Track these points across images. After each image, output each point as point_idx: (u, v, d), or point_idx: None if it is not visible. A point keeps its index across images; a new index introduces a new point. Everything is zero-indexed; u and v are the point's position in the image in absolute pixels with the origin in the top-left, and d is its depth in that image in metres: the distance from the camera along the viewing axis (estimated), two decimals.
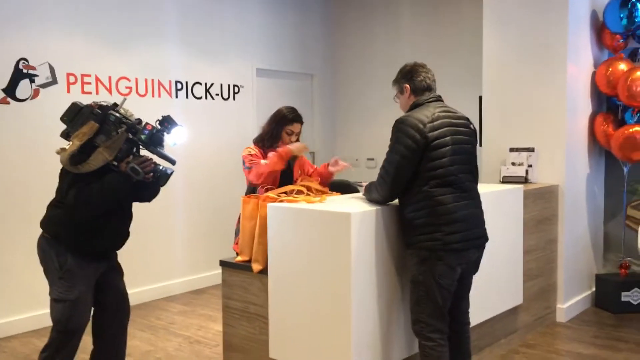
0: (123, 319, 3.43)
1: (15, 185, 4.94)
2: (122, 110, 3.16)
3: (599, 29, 5.33)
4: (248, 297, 3.39)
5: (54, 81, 5.13)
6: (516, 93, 5.16)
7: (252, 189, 4.08)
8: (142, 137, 3.11)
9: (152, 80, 5.83)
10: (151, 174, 3.16)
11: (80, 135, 3.01)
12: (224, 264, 3.51)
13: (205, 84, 6.32)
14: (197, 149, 6.10)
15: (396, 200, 3.12)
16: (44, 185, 4.60)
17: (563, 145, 4.94)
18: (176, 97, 6.05)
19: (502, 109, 5.25)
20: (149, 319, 5.25)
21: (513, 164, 5.07)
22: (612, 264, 5.59)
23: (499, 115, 5.27)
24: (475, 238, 3.08)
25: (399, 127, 3.02)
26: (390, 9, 7.29)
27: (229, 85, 6.55)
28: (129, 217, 3.35)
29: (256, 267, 3.30)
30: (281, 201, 3.28)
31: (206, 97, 6.34)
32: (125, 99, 3.25)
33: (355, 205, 3.09)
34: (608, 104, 5.46)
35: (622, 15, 5.07)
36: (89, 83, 5.36)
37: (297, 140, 4.19)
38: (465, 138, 3.11)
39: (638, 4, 5.03)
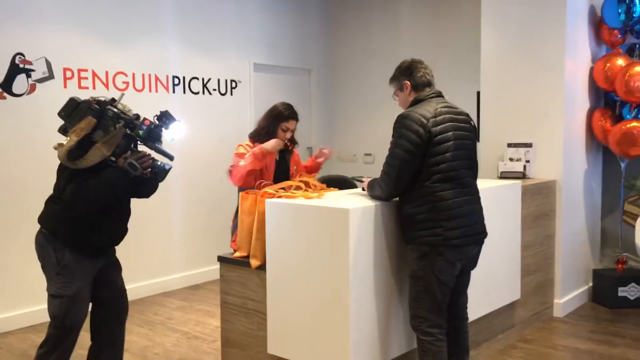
0: (121, 315, 3.43)
1: (12, 181, 4.92)
2: (120, 106, 3.15)
3: (597, 24, 5.33)
4: (246, 293, 3.38)
5: (50, 76, 5.11)
6: (514, 88, 5.16)
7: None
8: (140, 132, 3.10)
9: (149, 75, 5.81)
10: (149, 169, 3.15)
11: (78, 130, 3.00)
12: (222, 259, 3.50)
13: (203, 79, 6.30)
14: (194, 144, 6.09)
15: None
16: (41, 181, 4.59)
17: (561, 141, 4.94)
18: (173, 92, 6.03)
19: (500, 104, 5.25)
20: (146, 315, 5.24)
21: (511, 159, 5.07)
22: (609, 259, 5.60)
23: (496, 110, 5.27)
24: (475, 234, 3.09)
25: (402, 122, 3.01)
26: (389, 5, 7.28)
27: (226, 81, 6.53)
28: (127, 212, 3.35)
29: (254, 262, 3.29)
30: (279, 197, 3.27)
31: (203, 92, 6.32)
32: (123, 94, 3.24)
33: (353, 201, 3.09)
34: (606, 99, 5.46)
35: (620, 11, 5.07)
36: (86, 78, 5.34)
37: (292, 137, 4.18)
38: (466, 134, 3.11)
39: None
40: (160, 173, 3.21)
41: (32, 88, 5.01)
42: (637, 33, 5.17)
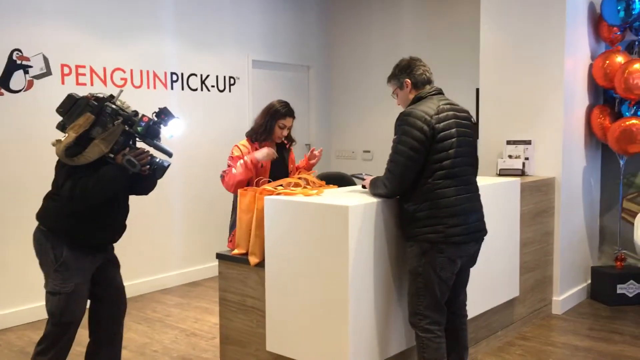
0: (119, 312, 3.42)
1: (10, 178, 4.90)
2: (118, 102, 3.13)
3: (596, 21, 5.32)
4: (245, 290, 3.38)
5: (48, 72, 5.09)
6: (513, 85, 5.15)
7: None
8: (139, 129, 3.09)
9: (147, 71, 5.79)
10: (147, 166, 3.15)
11: (76, 127, 2.99)
12: (220, 256, 3.49)
13: (201, 76, 6.29)
14: (192, 140, 6.08)
15: None
16: (39, 178, 4.59)
17: (560, 138, 4.94)
18: (171, 88, 6.01)
19: (499, 101, 5.24)
20: (145, 312, 5.24)
21: (510, 156, 5.07)
22: (607, 256, 5.60)
23: (496, 107, 5.26)
24: (475, 231, 3.09)
25: (406, 120, 3.00)
26: (388, 2, 7.26)
27: (224, 77, 6.52)
28: (125, 210, 3.34)
29: (253, 260, 3.28)
30: (278, 194, 3.26)
31: (202, 89, 6.30)
32: (121, 90, 3.22)
33: (352, 198, 3.08)
34: (605, 96, 5.46)
35: (619, 8, 5.06)
36: (84, 74, 5.32)
37: (289, 134, 4.18)
38: (468, 131, 3.11)
39: None
40: (159, 170, 3.20)
41: (30, 84, 4.99)
42: (636, 30, 5.17)
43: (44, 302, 3.17)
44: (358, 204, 2.95)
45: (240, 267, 3.38)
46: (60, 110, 3.08)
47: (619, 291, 5.16)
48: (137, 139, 3.16)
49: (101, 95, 3.11)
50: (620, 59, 5.08)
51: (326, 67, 7.75)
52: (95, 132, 3.03)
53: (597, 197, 5.61)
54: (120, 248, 3.45)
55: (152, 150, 3.18)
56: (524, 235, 4.50)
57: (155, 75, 5.86)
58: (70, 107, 3.05)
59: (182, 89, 6.11)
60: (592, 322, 4.82)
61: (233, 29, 6.58)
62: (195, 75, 6.23)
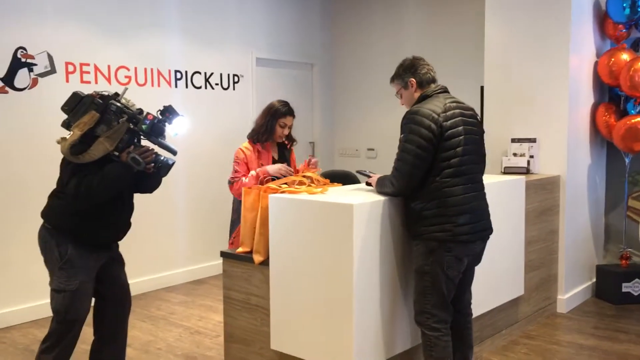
0: (124, 310, 3.42)
1: (14, 176, 4.91)
2: (123, 100, 3.13)
3: (602, 18, 5.30)
4: (249, 289, 3.37)
5: (52, 70, 5.09)
6: (518, 83, 5.14)
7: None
8: (143, 127, 3.09)
9: (152, 69, 5.79)
10: (152, 164, 3.14)
11: (81, 125, 2.99)
12: (225, 255, 3.49)
13: (205, 74, 6.28)
14: (196, 138, 6.08)
15: None
16: (43, 176, 4.59)
17: (565, 136, 4.92)
18: (175, 86, 6.01)
19: (503, 99, 5.22)
20: (149, 309, 5.24)
21: (515, 154, 5.05)
22: (612, 254, 5.59)
23: (500, 105, 5.24)
24: (482, 230, 3.08)
25: (413, 118, 2.99)
26: (391, 0, 7.25)
27: (228, 75, 6.51)
28: (130, 208, 3.34)
29: (257, 258, 3.28)
30: (283, 192, 3.26)
31: (206, 87, 6.30)
32: (126, 88, 3.22)
33: (357, 197, 3.07)
34: (610, 94, 5.43)
35: (624, 5, 5.03)
36: (88, 72, 5.32)
37: (290, 134, 4.20)
38: (474, 129, 3.11)
39: None
40: (164, 168, 3.20)
41: (34, 82, 4.99)
42: None
43: (48, 300, 3.18)
44: (363, 202, 2.95)
45: (245, 266, 3.37)
46: (65, 108, 3.08)
47: (624, 290, 5.14)
48: (142, 136, 3.16)
49: (106, 93, 3.11)
50: (625, 56, 5.06)
51: (330, 65, 7.74)
52: (100, 130, 3.03)
53: (602, 195, 5.59)
54: (125, 246, 3.45)
55: (156, 148, 3.18)
56: (529, 234, 4.49)
57: (159, 73, 5.85)
58: (75, 105, 3.05)
59: (186, 86, 6.11)
60: (597, 321, 4.80)
61: (237, 26, 6.58)
62: (199, 73, 6.23)
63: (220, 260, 3.54)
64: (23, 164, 4.94)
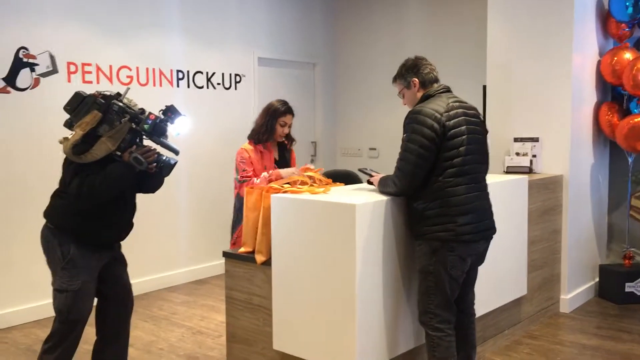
0: (126, 310, 3.42)
1: (17, 175, 4.90)
2: (125, 100, 3.13)
3: (604, 17, 5.28)
4: (251, 289, 3.36)
5: (54, 70, 5.08)
6: (521, 82, 5.12)
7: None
8: (145, 127, 3.08)
9: (154, 69, 5.79)
10: (154, 164, 3.14)
11: (83, 124, 2.99)
12: (227, 255, 3.48)
13: (207, 73, 6.28)
14: (198, 138, 6.07)
15: None
16: (46, 175, 4.59)
17: (567, 135, 4.91)
18: (177, 86, 6.00)
19: (506, 98, 5.21)
20: (151, 309, 5.23)
21: (517, 154, 5.04)
22: (615, 254, 5.57)
23: (503, 104, 5.23)
24: (485, 229, 3.08)
25: (415, 117, 2.98)
26: None
27: (230, 75, 6.51)
28: (132, 208, 3.33)
29: (259, 258, 3.27)
30: (285, 192, 3.25)
31: (207, 87, 6.29)
32: (128, 88, 3.22)
33: (360, 197, 3.07)
34: (613, 93, 5.42)
35: (627, 4, 5.02)
36: (90, 72, 5.32)
37: (289, 133, 4.22)
38: (477, 128, 3.10)
39: None
40: (166, 167, 3.19)
41: (36, 82, 4.98)
42: None
43: (50, 300, 3.18)
44: (366, 202, 2.94)
45: (247, 266, 3.37)
46: (68, 108, 3.08)
47: (627, 289, 5.13)
48: (144, 136, 3.16)
49: (108, 93, 3.10)
50: (628, 55, 5.05)
51: (332, 65, 7.73)
52: (102, 129, 3.02)
53: (605, 194, 5.58)
54: (127, 246, 3.45)
55: (159, 148, 3.17)
56: (532, 233, 4.47)
57: (161, 72, 5.85)
58: (78, 105, 3.05)
59: (188, 86, 6.10)
60: (600, 321, 4.79)
61: (239, 26, 6.57)
62: (201, 72, 6.22)
63: (222, 260, 3.53)
64: (25, 164, 4.94)
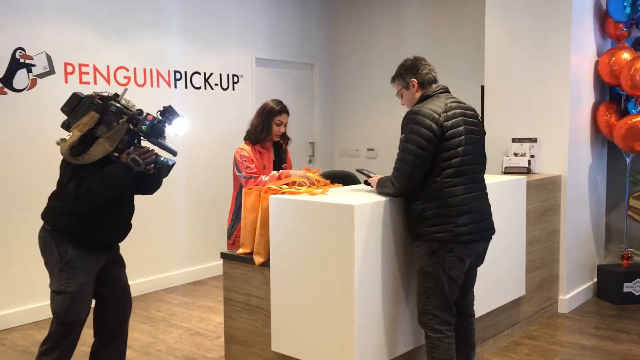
0: (124, 312, 3.41)
1: (14, 177, 4.89)
2: (123, 101, 3.12)
3: (602, 17, 5.28)
4: (250, 290, 3.36)
5: (51, 71, 5.07)
6: (519, 82, 5.12)
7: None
8: (143, 128, 3.07)
9: (151, 70, 5.77)
10: (152, 165, 3.13)
11: (81, 125, 2.98)
12: (225, 256, 3.47)
13: (205, 74, 6.27)
14: (196, 139, 6.06)
15: None
16: (43, 177, 4.58)
17: (566, 136, 4.91)
18: (175, 87, 5.99)
19: (504, 98, 5.21)
20: (149, 311, 5.22)
21: (515, 154, 5.04)
22: (614, 254, 5.57)
23: (501, 105, 5.23)
24: (484, 230, 3.07)
25: (413, 118, 2.98)
26: None
27: (228, 75, 6.50)
28: (130, 209, 3.32)
29: (258, 259, 3.26)
30: (283, 193, 3.24)
31: (205, 87, 6.28)
32: (126, 89, 3.21)
33: (358, 197, 3.06)
34: (611, 93, 5.42)
35: (625, 4, 5.02)
36: (87, 73, 5.30)
37: (285, 133, 4.24)
38: (475, 129, 3.10)
39: None
40: (164, 168, 3.18)
41: (33, 83, 4.97)
42: None
43: (48, 302, 3.16)
44: (364, 203, 2.93)
45: (245, 267, 3.36)
46: (65, 109, 3.07)
47: (625, 290, 5.13)
48: (142, 137, 3.15)
49: (106, 94, 3.09)
50: (626, 55, 5.05)
51: (330, 65, 7.72)
52: (99, 130, 3.01)
53: (603, 195, 5.58)
54: (124, 247, 3.44)
55: (156, 149, 3.16)
56: (530, 234, 4.47)
57: (158, 73, 5.84)
58: (75, 106, 3.04)
59: (186, 87, 6.09)
60: (599, 321, 4.79)
61: (236, 27, 6.56)
62: (199, 73, 6.21)
63: (220, 261, 3.52)
64: (23, 165, 4.93)
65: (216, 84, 6.38)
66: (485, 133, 3.28)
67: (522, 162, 4.96)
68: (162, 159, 3.17)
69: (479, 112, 5.03)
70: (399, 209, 3.11)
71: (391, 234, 3.08)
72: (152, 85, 5.78)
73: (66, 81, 5.16)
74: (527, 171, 4.90)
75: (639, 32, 5.22)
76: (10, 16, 4.82)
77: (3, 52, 4.80)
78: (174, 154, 3.18)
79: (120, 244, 3.40)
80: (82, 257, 3.13)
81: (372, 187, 3.25)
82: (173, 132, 3.21)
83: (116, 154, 3.05)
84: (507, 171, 4.95)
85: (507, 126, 5.16)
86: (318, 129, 7.60)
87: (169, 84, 5.93)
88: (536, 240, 4.61)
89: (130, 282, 3.46)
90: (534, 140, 5.01)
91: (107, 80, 5.43)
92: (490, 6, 5.25)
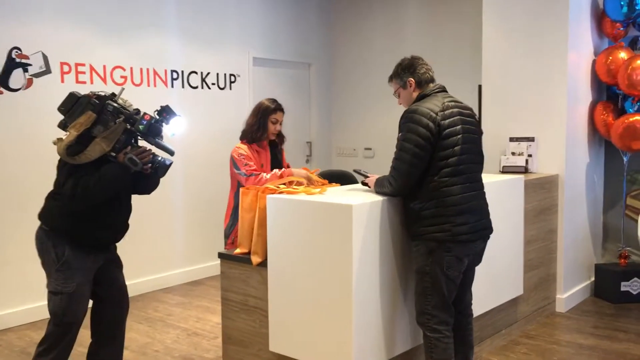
0: (122, 312, 3.39)
1: (10, 177, 4.87)
2: (120, 100, 3.11)
3: (599, 17, 5.29)
4: (247, 290, 3.35)
5: (47, 70, 5.05)
6: (516, 82, 5.12)
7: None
8: (140, 127, 3.06)
9: (148, 69, 5.76)
10: (149, 165, 3.12)
11: (78, 125, 2.97)
12: (222, 256, 3.46)
13: (202, 73, 6.25)
14: (193, 139, 6.04)
15: None
16: (39, 177, 4.56)
17: (563, 135, 4.91)
18: (172, 86, 5.98)
19: (501, 98, 5.21)
20: (146, 311, 5.21)
21: (513, 153, 5.04)
22: (611, 253, 5.58)
23: (498, 104, 5.23)
24: (482, 229, 3.07)
25: (411, 117, 2.97)
26: None
27: (225, 75, 6.48)
28: (128, 209, 3.31)
29: (255, 259, 3.25)
30: (280, 192, 3.23)
31: (202, 87, 6.27)
32: (123, 88, 3.20)
33: (356, 197, 3.05)
34: (608, 92, 5.42)
35: (622, 3, 5.02)
36: (84, 72, 5.28)
37: (280, 132, 4.24)
38: (473, 128, 3.10)
39: None
40: (161, 168, 3.17)
41: (29, 83, 4.95)
42: (639, 26, 5.14)
43: (45, 302, 3.15)
44: (362, 202, 2.93)
45: (243, 267, 3.35)
46: (62, 108, 3.05)
47: (622, 289, 5.13)
48: (139, 137, 3.13)
49: (103, 94, 3.08)
50: (623, 54, 5.05)
51: (327, 65, 7.71)
52: (96, 130, 3.00)
53: (600, 194, 5.58)
54: (121, 247, 3.42)
55: (154, 149, 3.15)
56: (528, 233, 4.47)
57: (155, 73, 5.82)
58: (72, 106, 3.02)
59: (183, 86, 6.08)
60: (596, 320, 4.79)
61: (234, 26, 6.55)
62: (196, 73, 6.20)
63: (217, 261, 3.51)
64: (19, 165, 4.91)
65: (213, 84, 6.37)
66: (482, 132, 3.28)
67: (520, 161, 4.96)
68: (159, 158, 3.16)
69: (477, 112, 5.05)
70: (397, 208, 3.10)
71: (389, 233, 3.07)
72: (148, 85, 5.76)
73: (62, 81, 5.14)
74: (525, 170, 4.90)
75: (636, 31, 5.22)
76: (6, 15, 4.80)
77: None
78: (172, 153, 3.16)
79: (117, 244, 3.39)
80: (79, 258, 3.11)
81: (369, 187, 3.25)
82: (170, 131, 3.20)
83: (113, 154, 3.04)
84: (505, 170, 4.95)
85: (504, 125, 5.16)
86: (315, 128, 7.60)
87: (165, 83, 5.92)
88: (534, 240, 4.61)
89: (127, 282, 3.45)
90: (532, 139, 5.01)
91: (104, 80, 5.41)
92: (488, 5, 5.25)
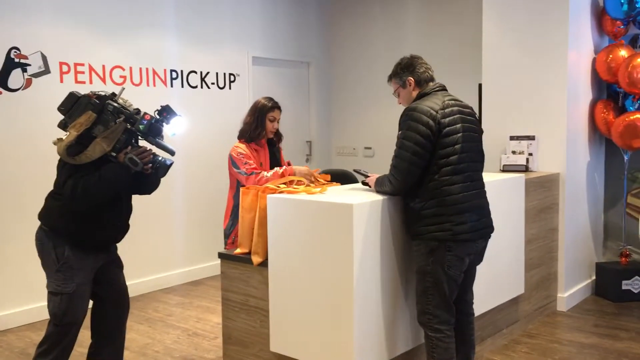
0: (122, 313, 3.38)
1: (10, 177, 4.86)
2: (120, 100, 3.10)
3: (599, 14, 5.28)
4: (248, 290, 3.34)
5: (46, 70, 5.04)
6: (516, 80, 5.11)
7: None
8: (141, 127, 3.05)
9: (147, 69, 5.75)
10: (150, 165, 3.11)
11: (78, 125, 2.96)
12: (222, 256, 3.45)
13: (201, 73, 6.24)
14: (193, 138, 6.03)
15: None
16: (39, 177, 4.56)
17: (563, 133, 4.90)
18: (171, 86, 5.97)
19: (502, 96, 5.20)
20: (146, 311, 5.20)
21: (513, 152, 5.03)
22: (612, 252, 5.57)
23: (499, 103, 5.22)
24: (483, 228, 3.06)
25: (411, 115, 2.96)
26: None
27: (224, 74, 6.47)
28: (128, 209, 3.30)
29: (256, 259, 3.24)
30: (281, 192, 3.22)
31: (202, 86, 6.26)
32: (123, 88, 3.19)
33: (356, 196, 3.04)
34: (608, 91, 5.42)
35: (622, 1, 5.01)
36: (83, 72, 5.27)
37: (278, 130, 4.24)
38: (473, 126, 3.09)
39: None
40: (162, 168, 3.16)
41: (28, 83, 4.94)
42: None
43: (44, 303, 3.15)
44: (363, 202, 2.91)
45: (243, 267, 3.34)
46: (62, 108, 3.05)
47: (624, 287, 5.13)
48: (140, 137, 3.12)
49: (103, 94, 3.07)
50: (623, 52, 5.04)
51: (326, 64, 7.70)
52: (97, 130, 2.99)
53: (601, 192, 5.57)
54: (121, 247, 3.42)
55: (154, 149, 3.14)
56: (529, 232, 4.46)
57: (154, 72, 5.81)
58: (72, 106, 3.02)
59: (182, 86, 6.07)
60: (598, 319, 4.78)
61: (233, 25, 6.54)
62: (195, 72, 6.19)
63: (217, 261, 3.50)
64: (19, 165, 4.90)
65: (212, 83, 6.36)
66: (482, 131, 3.27)
67: (520, 160, 4.95)
68: (159, 158, 3.15)
69: (477, 110, 5.05)
70: (397, 207, 3.09)
71: (390, 233, 3.06)
72: (148, 85, 5.75)
73: (61, 81, 5.13)
74: (525, 169, 4.89)
75: (636, 29, 5.21)
76: (5, 15, 4.79)
77: None
78: (172, 153, 3.15)
79: (117, 244, 3.38)
80: (80, 258, 3.10)
81: (370, 187, 3.24)
82: (171, 131, 3.19)
83: (113, 154, 3.03)
84: (505, 169, 4.94)
85: (504, 124, 5.15)
86: (315, 127, 7.59)
87: (165, 83, 5.91)
88: (535, 239, 4.60)
89: (127, 283, 3.44)
90: (532, 138, 5.00)
91: (103, 80, 5.40)
92: (487, 4, 5.24)
